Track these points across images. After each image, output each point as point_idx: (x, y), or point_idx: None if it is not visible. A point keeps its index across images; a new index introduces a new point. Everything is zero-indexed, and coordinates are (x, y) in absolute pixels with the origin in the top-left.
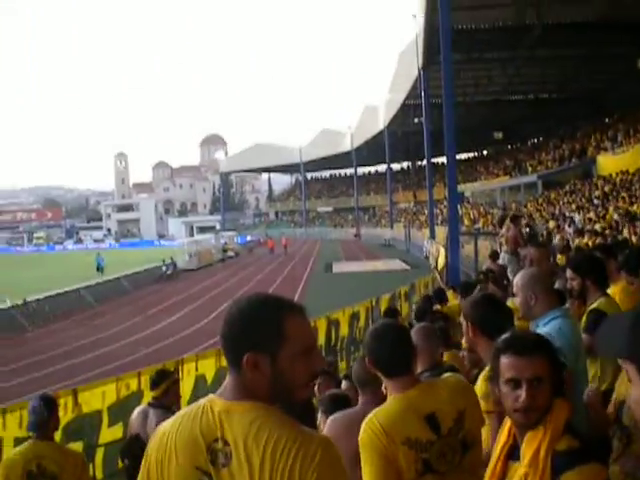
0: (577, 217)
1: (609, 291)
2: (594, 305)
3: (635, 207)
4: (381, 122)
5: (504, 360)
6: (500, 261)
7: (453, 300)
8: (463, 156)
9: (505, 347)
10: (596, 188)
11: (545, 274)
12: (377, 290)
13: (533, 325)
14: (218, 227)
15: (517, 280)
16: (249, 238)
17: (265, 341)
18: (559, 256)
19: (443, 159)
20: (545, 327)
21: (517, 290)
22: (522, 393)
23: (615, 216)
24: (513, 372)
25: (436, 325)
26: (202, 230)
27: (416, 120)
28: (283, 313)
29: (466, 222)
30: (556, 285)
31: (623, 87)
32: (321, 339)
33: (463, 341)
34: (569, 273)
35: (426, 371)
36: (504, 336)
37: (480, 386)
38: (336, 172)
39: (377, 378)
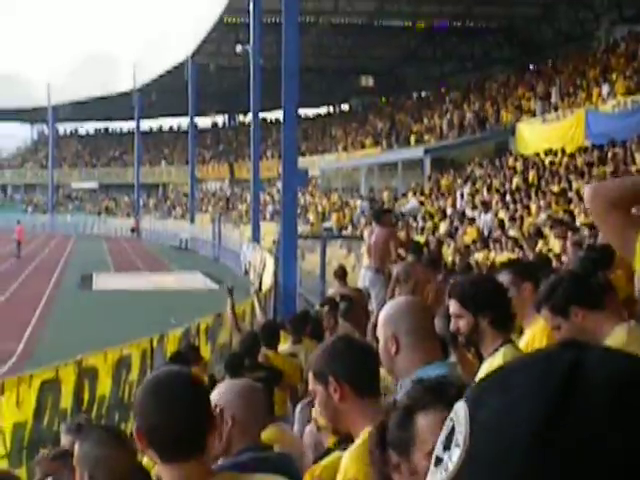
0: (483, 218)
1: (521, 339)
2: (496, 359)
3: (573, 207)
4: (182, 49)
5: (423, 422)
6: (360, 282)
7: (285, 343)
8: (310, 112)
9: (426, 402)
10: (514, 173)
11: (419, 305)
12: (163, 322)
13: (397, 387)
14: None
15: (380, 314)
16: None
17: None
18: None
19: (279, 114)
20: None
21: (378, 329)
22: None
23: (540, 219)
24: None
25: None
26: None
27: (239, 48)
28: None
29: (311, 218)
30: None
31: (560, 15)
32: (66, 399)
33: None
34: (453, 307)
35: (246, 451)
36: (415, 388)
37: (348, 470)
38: (106, 125)
39: None
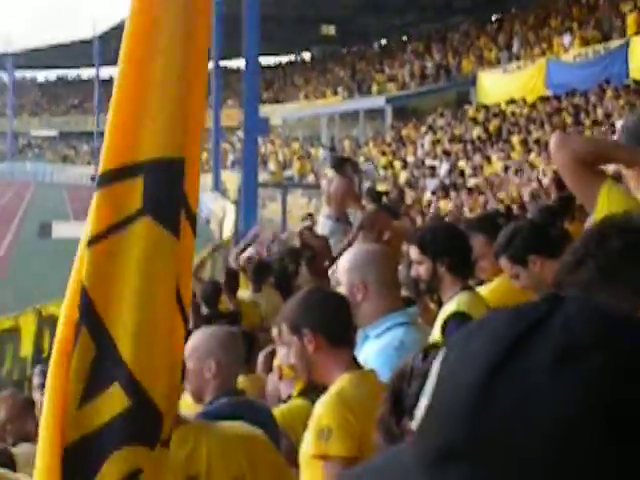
0: (443, 167)
1: (482, 287)
2: (452, 305)
3: (532, 157)
4: None
5: None
6: (319, 229)
7: (245, 289)
8: (271, 60)
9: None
10: (474, 123)
11: (385, 254)
12: None
13: (360, 335)
14: None
15: (343, 261)
16: None
17: None
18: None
19: (240, 62)
20: (379, 340)
21: (341, 276)
22: None
23: (499, 170)
24: None
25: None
26: None
27: None
28: None
29: (272, 167)
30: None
31: None
32: (26, 347)
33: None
34: (413, 253)
35: (219, 397)
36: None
37: (321, 418)
38: (66, 73)
39: None
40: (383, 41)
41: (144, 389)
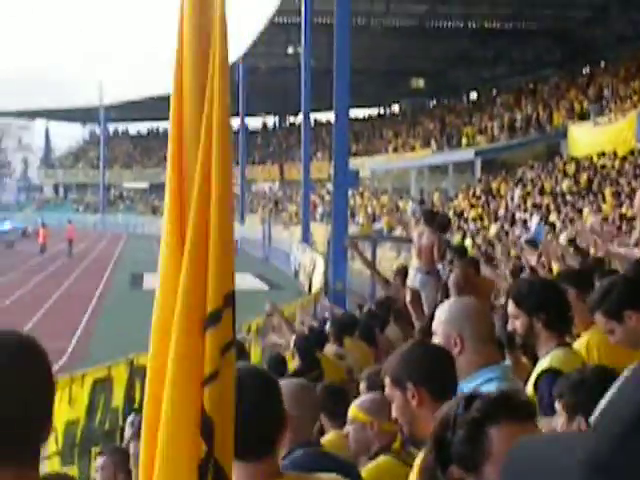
0: (535, 220)
1: (576, 343)
2: (546, 361)
3: (624, 209)
4: (233, 50)
5: (496, 436)
6: (409, 282)
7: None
8: (361, 113)
9: (499, 416)
10: (564, 176)
11: (482, 309)
12: None
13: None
14: None
15: (440, 312)
16: (8, 226)
17: None
18: (508, 282)
19: (330, 115)
20: None
21: (437, 327)
22: None
23: (592, 221)
24: None
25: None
26: None
27: (290, 50)
28: None
29: (361, 219)
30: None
31: (612, 17)
32: (118, 398)
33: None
34: (510, 307)
35: (293, 450)
36: (482, 401)
37: None
38: (156, 125)
39: None
40: (473, 94)
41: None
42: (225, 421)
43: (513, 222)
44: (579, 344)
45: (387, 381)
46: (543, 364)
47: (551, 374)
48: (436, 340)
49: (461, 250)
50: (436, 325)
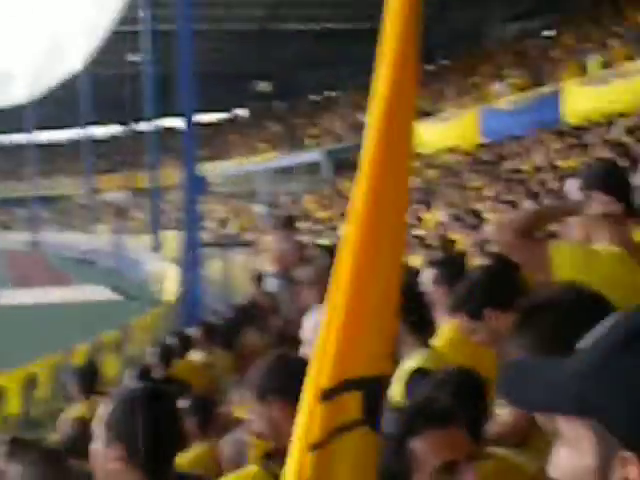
0: None
1: (437, 340)
2: (412, 362)
3: (473, 204)
4: (75, 59)
5: (419, 447)
6: (268, 288)
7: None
8: (205, 118)
9: (419, 427)
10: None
11: None
12: (67, 336)
13: None
14: None
15: (307, 320)
16: None
17: None
18: None
19: (176, 122)
20: None
21: (308, 335)
22: None
23: (442, 216)
24: None
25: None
26: None
27: (132, 57)
28: None
29: (210, 225)
30: None
31: (453, 15)
32: None
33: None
34: None
35: None
36: (402, 414)
37: None
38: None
39: None
40: (316, 96)
41: None
42: None
43: None
44: (439, 339)
45: (250, 395)
46: (412, 364)
47: (420, 375)
48: (305, 349)
49: (328, 250)
50: (307, 334)
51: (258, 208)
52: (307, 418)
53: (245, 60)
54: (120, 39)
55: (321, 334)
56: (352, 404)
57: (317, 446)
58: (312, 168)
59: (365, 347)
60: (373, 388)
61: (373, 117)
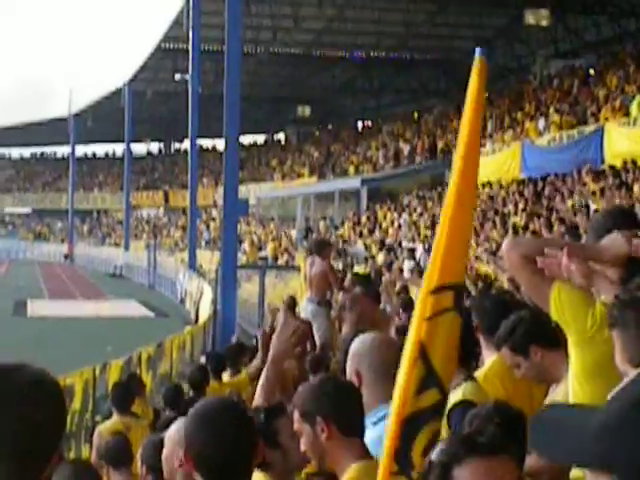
0: (419, 249)
1: (479, 373)
2: (458, 394)
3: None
4: (120, 75)
5: (460, 475)
6: (302, 313)
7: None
8: (246, 140)
9: (461, 456)
10: None
11: (385, 344)
12: (102, 351)
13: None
14: None
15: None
16: None
17: None
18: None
19: (217, 142)
20: (375, 427)
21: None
22: None
23: (479, 251)
24: None
25: None
26: None
27: (177, 76)
28: None
29: (247, 247)
30: None
31: (497, 49)
32: None
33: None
34: None
35: None
36: (449, 442)
37: None
38: (39, 150)
39: None
40: (358, 122)
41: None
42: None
43: (392, 250)
44: (482, 373)
45: (296, 415)
46: (455, 396)
47: (464, 406)
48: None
49: (365, 279)
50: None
51: (295, 232)
52: (422, 304)
53: (288, 84)
54: (165, 57)
55: (432, 255)
56: (448, 298)
57: (429, 318)
58: (350, 195)
59: (454, 265)
60: (459, 289)
61: (454, 172)
